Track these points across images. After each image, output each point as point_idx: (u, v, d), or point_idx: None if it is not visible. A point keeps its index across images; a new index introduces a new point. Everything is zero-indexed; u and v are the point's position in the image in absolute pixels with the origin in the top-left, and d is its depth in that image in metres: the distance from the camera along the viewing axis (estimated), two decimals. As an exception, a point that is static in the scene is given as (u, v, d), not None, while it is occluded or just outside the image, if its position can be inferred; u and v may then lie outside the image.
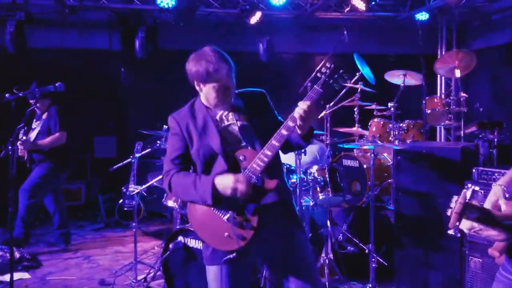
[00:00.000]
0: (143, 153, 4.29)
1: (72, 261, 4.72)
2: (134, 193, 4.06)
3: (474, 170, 3.18)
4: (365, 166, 4.73)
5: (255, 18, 6.39)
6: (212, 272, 2.19)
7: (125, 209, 4.19)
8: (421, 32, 6.93)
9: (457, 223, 1.43)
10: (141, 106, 6.92)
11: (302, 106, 2.03)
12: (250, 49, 6.88)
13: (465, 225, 1.48)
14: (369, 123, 5.40)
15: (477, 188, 1.44)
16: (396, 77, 5.29)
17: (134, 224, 4.08)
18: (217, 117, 2.24)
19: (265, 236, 2.14)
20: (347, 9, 6.64)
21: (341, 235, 4.00)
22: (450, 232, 1.46)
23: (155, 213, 6.19)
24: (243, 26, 6.51)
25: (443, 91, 7.31)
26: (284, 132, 2.06)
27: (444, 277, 3.43)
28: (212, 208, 2.15)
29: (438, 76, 7.06)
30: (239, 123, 2.23)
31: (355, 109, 5.48)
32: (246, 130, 2.22)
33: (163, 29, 6.47)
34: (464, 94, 4.95)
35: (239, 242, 2.07)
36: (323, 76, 2.11)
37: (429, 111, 5.02)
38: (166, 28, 6.44)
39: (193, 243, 3.51)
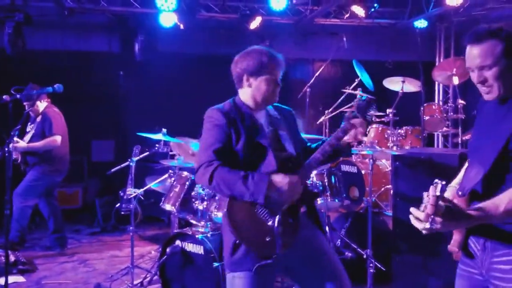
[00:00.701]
0: (141, 156, 4.28)
1: (68, 265, 4.69)
2: (131, 196, 4.04)
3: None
4: (363, 171, 4.73)
5: (255, 23, 6.41)
6: (240, 280, 2.11)
7: (122, 213, 4.16)
8: (419, 40, 6.96)
9: (432, 216, 1.53)
10: (140, 110, 6.90)
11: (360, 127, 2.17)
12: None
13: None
14: (368, 129, 5.41)
15: (444, 182, 1.55)
16: (394, 84, 5.31)
17: (131, 228, 4.05)
18: (260, 121, 2.28)
19: (297, 243, 2.15)
20: (347, 15, 6.66)
21: (339, 240, 3.99)
22: (426, 226, 1.56)
23: (153, 217, 6.16)
24: (243, 31, 6.52)
25: (441, 98, 7.32)
26: (327, 148, 2.18)
27: (442, 282, 3.41)
28: (256, 210, 2.10)
29: (436, 83, 7.07)
30: (279, 132, 2.29)
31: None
32: (286, 139, 2.28)
33: (164, 32, 6.47)
34: (462, 101, 4.97)
35: (281, 247, 2.05)
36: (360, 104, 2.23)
37: (427, 118, 5.03)
38: (167, 32, 6.44)
39: (190, 247, 3.50)
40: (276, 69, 2.24)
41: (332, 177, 3.63)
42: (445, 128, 5.00)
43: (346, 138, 2.21)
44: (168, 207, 3.78)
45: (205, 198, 3.62)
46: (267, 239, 2.05)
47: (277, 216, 2.05)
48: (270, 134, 2.24)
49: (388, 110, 5.02)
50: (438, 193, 1.51)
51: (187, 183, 3.77)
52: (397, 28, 7.04)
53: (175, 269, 3.57)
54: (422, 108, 5.09)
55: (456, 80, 5.10)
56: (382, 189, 5.10)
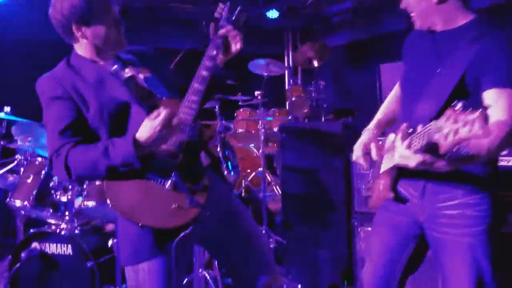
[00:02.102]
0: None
1: None
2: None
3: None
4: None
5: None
6: (147, 271, 1.68)
7: None
8: (270, 31, 7.13)
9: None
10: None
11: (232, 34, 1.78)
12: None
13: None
14: (236, 113, 5.26)
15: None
16: (259, 68, 5.27)
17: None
18: (111, 71, 1.76)
19: (211, 203, 1.72)
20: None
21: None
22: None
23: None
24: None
25: (299, 81, 7.49)
26: (204, 73, 1.73)
27: (332, 253, 3.39)
28: (144, 181, 1.65)
29: (299, 67, 7.20)
30: (141, 75, 1.80)
31: (216, 104, 5.28)
32: (152, 81, 1.80)
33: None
34: (322, 82, 5.15)
35: (193, 209, 1.63)
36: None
37: (293, 99, 5.09)
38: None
39: (53, 248, 2.83)
40: (110, 5, 1.73)
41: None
42: (307, 110, 5.11)
43: (220, 56, 1.84)
44: (18, 203, 2.97)
45: (69, 187, 2.96)
46: (174, 206, 1.64)
47: (173, 175, 1.64)
48: (128, 82, 1.78)
49: (256, 92, 4.93)
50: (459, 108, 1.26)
51: (43, 171, 3.03)
52: (251, 17, 7.08)
53: (32, 279, 2.83)
54: (287, 90, 5.15)
55: (316, 63, 5.30)
56: (253, 173, 5.02)
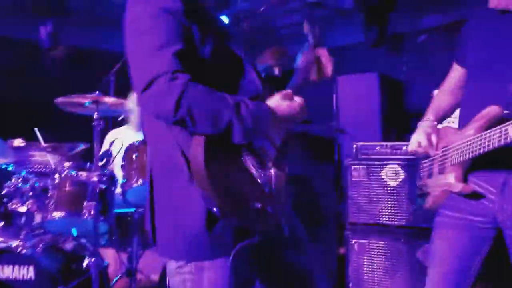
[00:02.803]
0: None
1: None
2: None
3: (354, 146, 3.04)
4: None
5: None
6: (215, 272, 1.27)
7: None
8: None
9: None
10: None
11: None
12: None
13: None
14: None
15: None
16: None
17: None
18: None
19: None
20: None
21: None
22: None
23: None
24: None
25: None
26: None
27: (320, 268, 3.16)
28: (242, 159, 1.27)
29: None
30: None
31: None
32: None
33: None
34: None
35: (274, 217, 1.30)
36: None
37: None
38: None
39: (7, 272, 2.27)
40: None
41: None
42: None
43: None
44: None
45: (29, 194, 2.41)
46: (257, 206, 1.26)
47: (271, 166, 1.33)
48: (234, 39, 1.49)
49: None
50: None
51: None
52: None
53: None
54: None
55: (277, 71, 5.13)
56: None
